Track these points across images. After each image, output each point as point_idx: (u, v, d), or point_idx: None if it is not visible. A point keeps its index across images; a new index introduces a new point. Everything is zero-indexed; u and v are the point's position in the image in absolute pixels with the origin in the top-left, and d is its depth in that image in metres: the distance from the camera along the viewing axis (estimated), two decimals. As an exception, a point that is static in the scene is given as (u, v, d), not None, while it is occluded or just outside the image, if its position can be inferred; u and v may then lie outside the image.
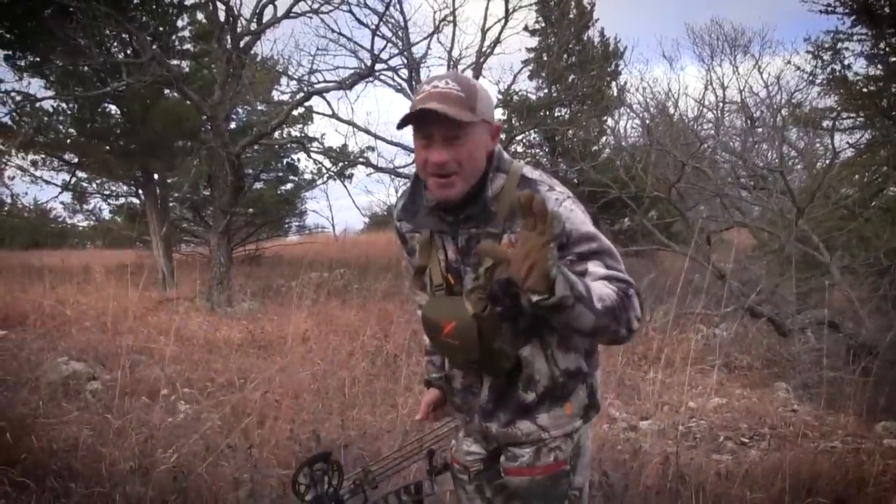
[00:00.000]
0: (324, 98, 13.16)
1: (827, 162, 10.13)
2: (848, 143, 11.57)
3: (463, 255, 1.80)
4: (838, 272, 8.61)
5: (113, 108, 14.14)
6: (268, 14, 11.56)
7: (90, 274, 10.07)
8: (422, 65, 14.14)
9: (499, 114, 16.80)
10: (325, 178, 17.86)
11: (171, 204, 17.38)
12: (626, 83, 16.53)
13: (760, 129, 11.50)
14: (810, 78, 11.57)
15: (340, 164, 16.00)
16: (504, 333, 1.76)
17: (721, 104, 12.54)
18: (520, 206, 1.34)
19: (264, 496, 3.10)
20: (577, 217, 1.69)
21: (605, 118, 15.72)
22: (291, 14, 11.63)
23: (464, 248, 1.80)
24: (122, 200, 18.59)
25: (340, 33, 12.89)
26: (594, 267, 1.63)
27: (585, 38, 17.12)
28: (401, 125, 1.71)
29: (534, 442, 1.84)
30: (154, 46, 11.19)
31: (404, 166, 15.58)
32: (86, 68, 11.78)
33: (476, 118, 1.68)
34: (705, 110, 12.62)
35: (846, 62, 11.30)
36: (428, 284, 1.88)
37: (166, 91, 13.76)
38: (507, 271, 1.40)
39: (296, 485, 1.97)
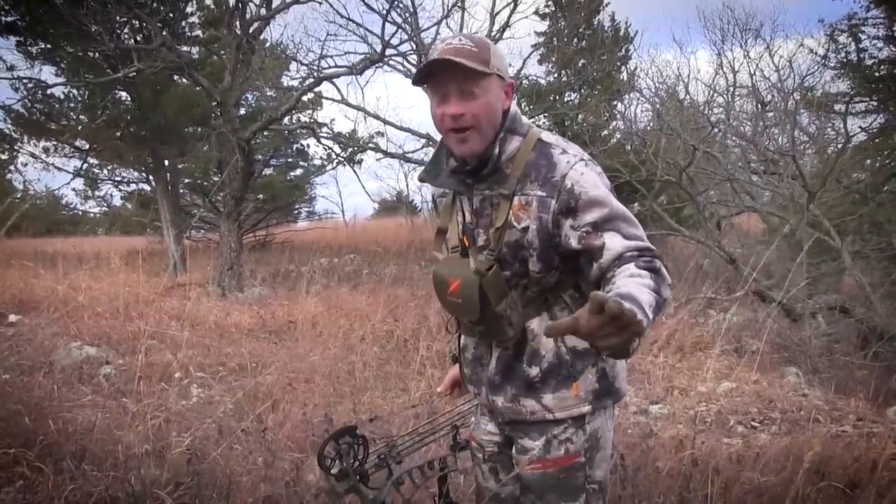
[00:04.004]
0: (333, 84, 13.13)
1: (839, 146, 10.05)
2: (860, 127, 11.47)
3: (477, 217, 1.81)
4: (850, 257, 8.57)
5: (124, 95, 14.17)
6: (277, 0, 11.53)
7: (102, 260, 10.13)
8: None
9: (508, 99, 16.75)
10: (334, 164, 17.92)
11: (181, 190, 17.44)
12: (636, 67, 16.41)
13: (771, 114, 11.39)
14: (823, 61, 11.45)
15: (350, 150, 15.99)
16: (513, 300, 1.76)
17: (732, 88, 12.45)
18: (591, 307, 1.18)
19: (278, 479, 3.13)
20: (587, 180, 1.67)
21: (615, 103, 15.62)
22: (301, 0, 11.59)
23: (478, 210, 1.80)
24: (133, 187, 18.69)
25: (350, 18, 12.84)
26: (611, 240, 1.60)
27: (595, 22, 16.99)
28: (416, 80, 1.73)
29: (539, 423, 1.81)
30: (164, 32, 11.19)
31: (413, 151, 15.52)
32: (96, 55, 11.80)
33: (490, 70, 1.67)
34: (716, 95, 12.53)
35: (861, 45, 11.21)
36: (446, 246, 1.89)
37: (176, 77, 13.78)
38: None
39: (322, 458, 1.99)
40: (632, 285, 1.43)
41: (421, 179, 1.91)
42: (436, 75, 1.69)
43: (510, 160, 1.75)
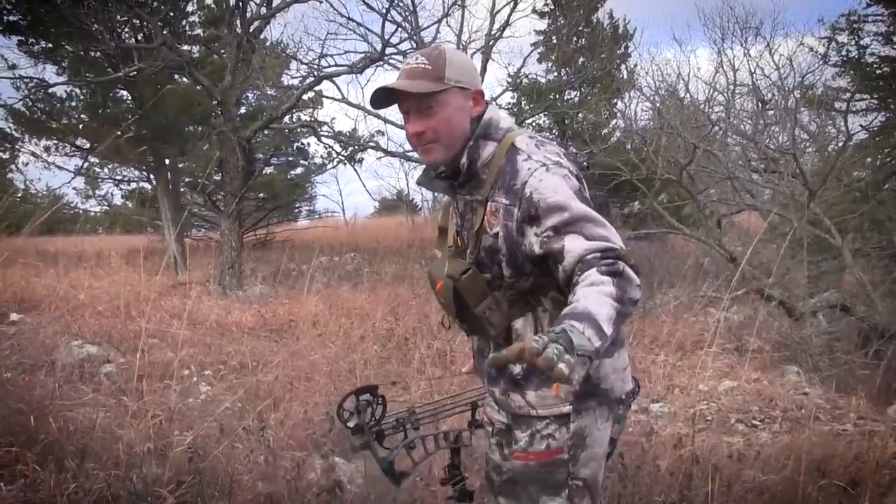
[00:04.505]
0: (334, 82, 13.14)
1: (840, 144, 10.04)
2: (861, 125, 11.46)
3: (462, 220, 1.88)
4: (850, 255, 8.56)
5: (125, 94, 14.16)
6: (277, -1, 11.53)
7: (103, 259, 10.13)
8: (431, 48, 14.09)
9: (508, 97, 16.75)
10: (335, 163, 17.94)
11: (182, 189, 17.43)
12: (636, 66, 16.41)
13: (772, 112, 11.37)
14: (823, 59, 11.44)
15: (350, 149, 16.00)
16: (496, 301, 1.80)
17: (732, 87, 12.41)
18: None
19: (279, 477, 3.13)
20: (546, 185, 1.66)
21: (615, 101, 15.62)
22: (300, -2, 11.59)
23: (463, 213, 1.88)
24: (133, 186, 18.66)
25: (350, 17, 12.84)
26: (572, 243, 1.60)
27: (595, 20, 17.00)
28: (374, 105, 1.84)
29: (525, 418, 1.84)
30: (165, 32, 11.19)
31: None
32: (97, 54, 11.81)
33: (444, 86, 1.73)
34: (716, 93, 12.50)
35: (861, 42, 11.20)
36: (446, 245, 1.98)
37: (177, 76, 13.77)
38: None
39: (341, 410, 2.07)
40: (591, 298, 1.43)
41: (418, 183, 2.00)
42: (387, 99, 1.80)
43: (486, 166, 1.79)
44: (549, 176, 1.69)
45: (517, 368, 1.81)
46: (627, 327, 6.66)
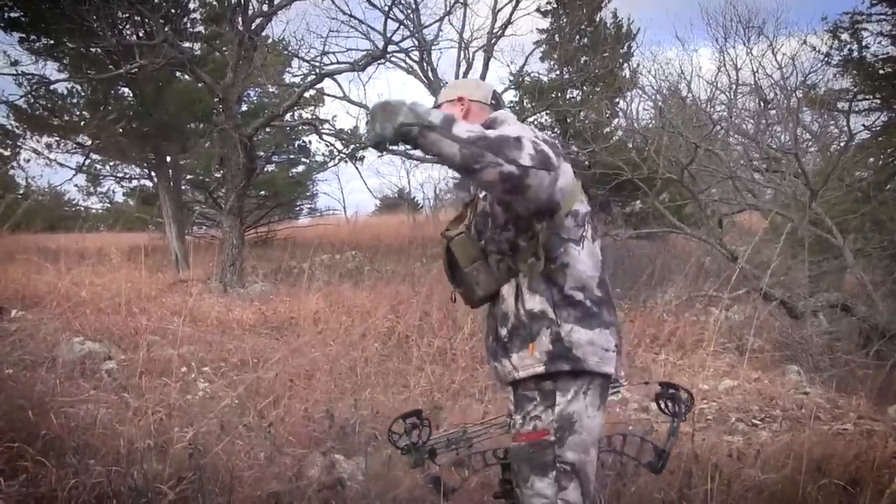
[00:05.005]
0: (335, 80, 13.16)
1: (842, 144, 10.03)
2: (863, 125, 11.43)
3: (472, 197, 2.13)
4: (852, 255, 8.55)
5: (126, 91, 14.16)
6: (279, -4, 11.53)
7: (104, 256, 10.15)
8: (433, 47, 14.09)
9: (511, 95, 16.73)
10: (336, 161, 17.90)
11: (183, 186, 17.44)
12: (638, 65, 16.39)
13: (774, 112, 11.36)
14: (826, 59, 11.41)
15: (352, 147, 15.99)
16: (483, 265, 2.00)
17: (734, 86, 12.39)
18: None
19: (280, 474, 3.14)
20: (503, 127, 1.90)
21: (617, 100, 15.60)
22: (303, -5, 11.58)
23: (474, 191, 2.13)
24: (135, 183, 18.66)
25: (352, 15, 12.87)
26: None
27: (598, 19, 16.92)
28: None
29: (520, 401, 1.97)
30: (166, 29, 11.18)
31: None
32: (99, 51, 11.81)
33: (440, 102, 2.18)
34: (718, 92, 12.50)
35: (864, 43, 11.16)
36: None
37: (179, 73, 13.78)
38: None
39: (390, 433, 2.29)
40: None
41: (456, 186, 2.18)
42: None
43: None
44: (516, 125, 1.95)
45: (504, 331, 1.99)
46: (628, 325, 6.68)
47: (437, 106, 2.10)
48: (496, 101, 2.19)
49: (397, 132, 1.67)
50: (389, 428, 2.30)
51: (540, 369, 1.90)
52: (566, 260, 1.92)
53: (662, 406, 2.53)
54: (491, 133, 1.69)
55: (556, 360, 1.89)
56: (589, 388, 1.92)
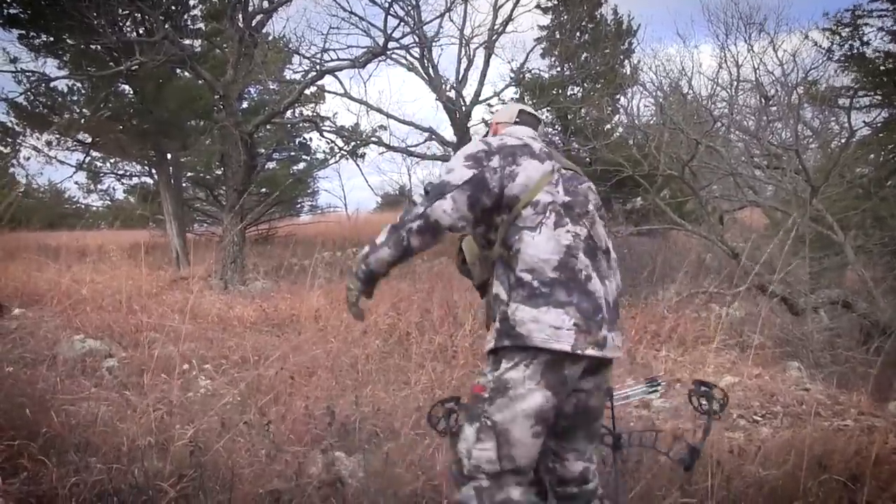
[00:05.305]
0: (336, 77, 13.18)
1: (843, 141, 10.01)
2: (865, 121, 11.39)
3: None
4: (852, 252, 8.54)
5: (126, 88, 14.15)
6: (279, -8, 11.51)
7: (105, 254, 10.14)
8: (434, 43, 14.09)
9: (511, 92, 16.72)
10: (337, 158, 17.90)
11: (184, 184, 17.43)
12: (639, 61, 16.35)
13: (775, 108, 11.35)
14: (827, 55, 11.37)
15: (353, 144, 16.00)
16: (480, 258, 2.32)
17: (735, 82, 12.37)
18: None
19: (280, 472, 3.14)
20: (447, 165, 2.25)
21: (617, 96, 15.58)
22: (303, -8, 11.56)
23: None
24: (135, 180, 18.66)
25: (352, 12, 12.90)
26: None
27: (598, 15, 16.90)
28: None
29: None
30: (166, 25, 11.17)
31: (416, 145, 15.55)
32: (99, 48, 11.80)
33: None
34: (719, 89, 12.48)
35: (865, 38, 11.12)
36: None
37: (179, 70, 13.76)
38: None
39: (431, 417, 2.45)
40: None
41: None
42: None
43: None
44: (455, 157, 2.23)
45: (485, 316, 2.29)
46: (629, 322, 6.67)
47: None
48: (519, 119, 2.48)
49: (362, 285, 2.23)
50: (430, 412, 2.46)
51: (491, 345, 2.14)
52: (519, 246, 2.12)
53: (696, 404, 2.63)
54: (399, 216, 2.17)
55: (501, 337, 2.10)
56: (532, 362, 2.06)
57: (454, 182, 2.12)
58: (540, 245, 2.11)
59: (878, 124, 11.32)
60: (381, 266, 2.18)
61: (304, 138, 19.67)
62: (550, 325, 2.04)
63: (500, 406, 2.07)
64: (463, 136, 15.41)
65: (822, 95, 10.93)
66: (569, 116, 16.21)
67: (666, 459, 3.23)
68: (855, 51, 11.16)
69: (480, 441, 2.08)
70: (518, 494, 2.09)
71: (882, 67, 11.07)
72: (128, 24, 12.22)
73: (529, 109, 2.56)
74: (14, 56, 11.88)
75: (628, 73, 15.70)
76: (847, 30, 10.99)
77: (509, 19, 14.96)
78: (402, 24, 12.71)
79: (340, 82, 14.51)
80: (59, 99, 13.84)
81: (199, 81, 12.57)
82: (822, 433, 3.80)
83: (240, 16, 11.18)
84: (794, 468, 3.13)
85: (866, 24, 10.90)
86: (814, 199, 8.36)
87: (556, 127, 17.15)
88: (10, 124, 13.94)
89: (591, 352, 2.07)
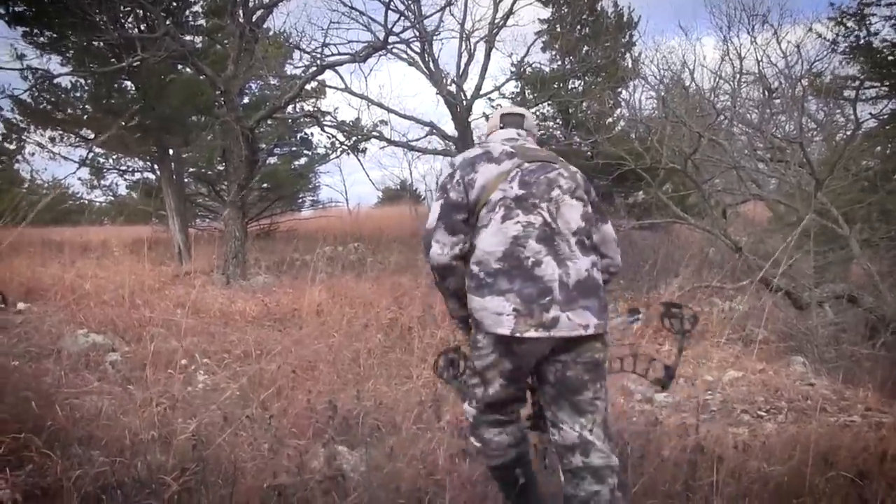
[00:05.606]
0: (336, 72, 13.14)
1: (848, 133, 9.97)
2: (870, 113, 11.34)
3: None
4: (858, 245, 8.51)
5: (128, 84, 14.14)
6: (280, -13, 11.47)
7: (108, 249, 10.15)
8: (434, 37, 14.05)
9: (512, 86, 16.71)
10: (338, 153, 17.90)
11: (186, 179, 17.41)
12: (640, 54, 16.29)
13: (779, 100, 11.29)
14: (832, 46, 11.30)
15: (354, 138, 15.97)
16: None
17: (738, 75, 12.31)
18: None
19: (283, 466, 3.13)
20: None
21: (619, 90, 15.52)
22: (304, -13, 11.54)
23: None
24: (138, 176, 18.62)
25: (352, 7, 12.88)
26: None
27: (599, 8, 16.83)
28: None
29: None
30: (168, 22, 11.15)
31: (417, 140, 15.54)
32: (101, 44, 11.78)
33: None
34: (722, 81, 12.42)
35: (872, 28, 11.04)
36: None
37: (180, 66, 13.74)
38: None
39: (436, 365, 2.79)
40: None
41: None
42: None
43: None
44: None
45: None
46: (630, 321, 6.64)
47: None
48: (503, 123, 2.72)
49: (465, 330, 2.66)
50: (435, 363, 2.78)
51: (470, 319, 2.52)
52: (475, 242, 2.41)
53: (667, 325, 2.82)
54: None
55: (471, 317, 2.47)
56: (486, 335, 2.38)
57: (431, 225, 2.49)
58: (486, 239, 2.37)
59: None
60: (458, 311, 2.56)
61: (306, 133, 19.64)
62: (493, 312, 2.31)
63: (475, 357, 2.47)
64: (464, 130, 15.38)
65: (827, 87, 10.86)
66: (570, 110, 16.18)
67: (669, 454, 3.22)
68: (861, 41, 11.09)
69: (473, 380, 2.53)
70: (491, 435, 2.55)
71: (889, 58, 11.00)
72: (129, 20, 12.18)
73: (512, 109, 2.83)
74: (21, 52, 11.86)
75: (630, 66, 15.63)
76: (853, 20, 10.92)
77: (510, 13, 14.92)
78: (403, 18, 12.68)
79: (341, 77, 14.45)
80: (63, 96, 13.84)
81: (201, 77, 12.55)
82: (828, 429, 3.79)
83: (240, 11, 11.15)
84: (799, 464, 3.11)
85: (873, 14, 10.84)
86: (818, 193, 8.33)
87: (558, 121, 17.12)
88: (15, 121, 13.94)
89: (532, 333, 2.26)
